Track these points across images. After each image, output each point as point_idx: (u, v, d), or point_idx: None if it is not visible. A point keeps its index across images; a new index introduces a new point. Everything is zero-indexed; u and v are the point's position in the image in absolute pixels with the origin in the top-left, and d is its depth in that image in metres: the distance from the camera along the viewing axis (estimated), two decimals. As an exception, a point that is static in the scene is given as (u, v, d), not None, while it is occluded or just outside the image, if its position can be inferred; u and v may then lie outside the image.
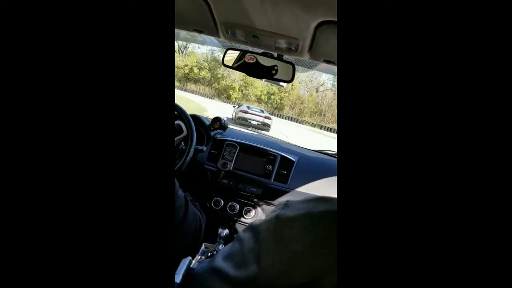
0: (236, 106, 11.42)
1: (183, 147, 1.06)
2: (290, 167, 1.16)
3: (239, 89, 27.25)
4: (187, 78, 26.44)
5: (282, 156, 1.17)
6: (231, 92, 25.23)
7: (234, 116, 10.01)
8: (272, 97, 26.19)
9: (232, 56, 0.87)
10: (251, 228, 0.35)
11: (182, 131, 1.04)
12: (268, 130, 9.75)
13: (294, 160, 1.17)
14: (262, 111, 11.18)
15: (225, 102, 23.07)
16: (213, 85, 26.77)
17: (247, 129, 1.52)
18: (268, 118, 10.46)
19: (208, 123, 1.26)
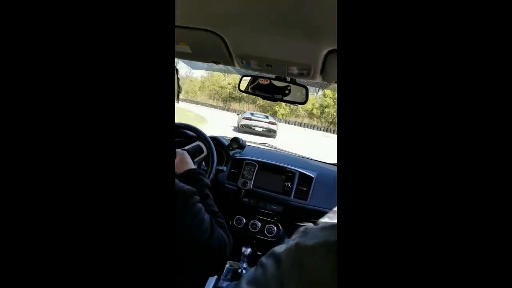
0: (240, 114, 11.16)
1: (205, 168, 1.11)
2: (309, 183, 1.17)
3: (285, 105, 23.44)
4: (231, 98, 24.56)
5: (300, 172, 1.18)
6: (277, 108, 22.18)
7: (237, 124, 9.70)
8: (326, 110, 20.91)
9: (246, 82, 0.92)
10: (273, 254, 0.37)
11: (202, 151, 1.08)
12: (274, 137, 9.45)
13: (313, 176, 1.18)
14: (267, 117, 10.84)
15: (230, 111, 20.74)
16: (257, 102, 24.14)
17: (265, 146, 1.55)
18: (273, 123, 10.16)
19: (227, 143, 1.30)
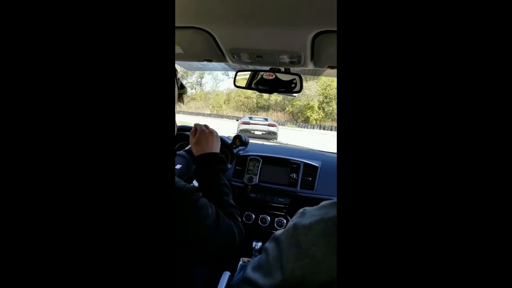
0: (239, 120, 10.97)
1: None
2: (314, 173, 1.17)
3: (319, 107, 21.95)
4: (258, 107, 22.83)
5: (305, 163, 1.19)
6: (309, 113, 20.67)
7: (237, 130, 9.47)
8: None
9: (243, 77, 0.93)
10: (274, 238, 0.37)
11: None
12: (275, 139, 9.22)
13: (317, 165, 1.18)
14: (266, 119, 10.70)
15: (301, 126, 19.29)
16: (286, 108, 22.85)
17: (270, 142, 1.55)
18: (273, 125, 9.98)
19: (229, 141, 1.31)
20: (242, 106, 23.35)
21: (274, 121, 11.50)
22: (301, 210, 0.38)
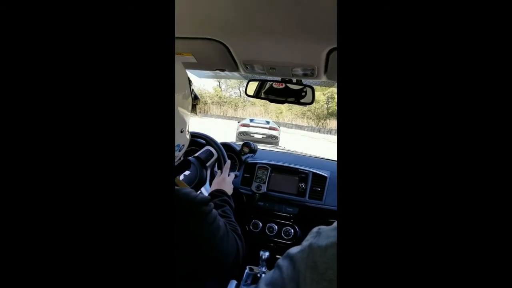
0: (240, 122, 10.12)
1: (217, 172, 1.12)
2: (323, 183, 1.16)
3: None
4: (329, 114, 19.38)
5: (313, 173, 1.18)
6: None
7: (235, 132, 8.78)
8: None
9: (254, 86, 0.93)
10: (288, 256, 0.37)
11: (213, 155, 1.10)
12: (276, 143, 8.48)
13: (326, 175, 1.17)
14: (268, 122, 9.75)
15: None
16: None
17: (277, 148, 1.55)
18: (275, 129, 9.17)
19: (238, 148, 1.31)
20: (308, 112, 20.26)
21: (276, 123, 10.76)
22: (315, 229, 0.37)
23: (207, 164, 1.05)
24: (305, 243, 0.36)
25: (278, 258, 1.20)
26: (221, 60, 0.72)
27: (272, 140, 8.74)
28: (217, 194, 0.78)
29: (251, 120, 9.63)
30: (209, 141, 1.13)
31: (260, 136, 8.58)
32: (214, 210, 0.57)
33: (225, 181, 0.87)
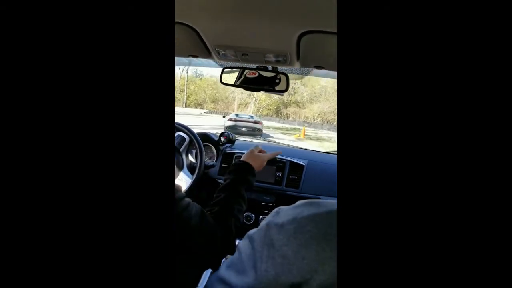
0: (226, 116, 11.47)
1: (195, 164, 1.11)
2: (300, 171, 1.18)
3: None
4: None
5: (291, 161, 1.19)
6: None
7: (224, 126, 9.80)
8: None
9: (229, 74, 0.91)
10: (248, 236, 0.37)
11: (185, 139, 1.10)
12: (260, 135, 9.95)
13: (303, 164, 1.19)
14: (252, 117, 11.41)
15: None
16: None
17: (256, 139, 1.55)
18: (259, 123, 10.69)
19: (216, 138, 1.30)
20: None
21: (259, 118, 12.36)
22: (276, 209, 0.37)
23: (181, 150, 1.05)
24: (263, 222, 0.36)
25: None
26: (192, 46, 0.70)
27: (256, 132, 10.03)
28: (239, 168, 0.78)
29: (237, 115, 11.04)
30: (178, 126, 1.11)
31: (245, 129, 9.83)
32: (186, 199, 0.56)
33: (253, 154, 0.85)
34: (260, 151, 0.90)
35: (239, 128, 9.67)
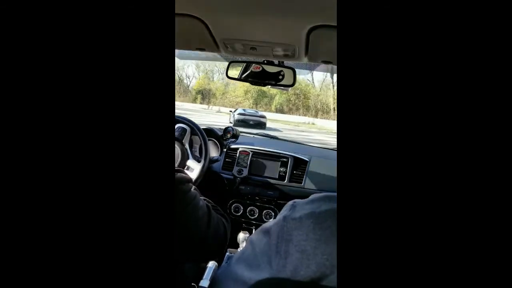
0: (233, 111, 13.31)
1: (199, 159, 1.12)
2: (303, 167, 1.18)
3: None
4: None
5: (295, 157, 1.19)
6: None
7: (233, 119, 11.63)
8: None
9: (235, 68, 0.91)
10: (262, 230, 0.37)
11: (186, 130, 1.11)
12: (264, 128, 11.45)
13: (307, 160, 1.19)
14: (257, 112, 13.71)
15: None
16: None
17: (259, 134, 1.56)
18: (263, 117, 12.79)
19: (220, 133, 1.30)
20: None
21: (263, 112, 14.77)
22: (290, 202, 0.37)
23: (183, 140, 1.05)
24: (279, 216, 0.36)
25: None
26: (200, 39, 0.70)
27: (261, 126, 11.70)
28: None
29: (244, 110, 13.12)
30: (177, 118, 1.12)
31: (252, 123, 11.64)
32: (193, 191, 0.56)
33: None
34: None
35: (247, 121, 11.42)
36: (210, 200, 0.67)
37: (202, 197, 0.58)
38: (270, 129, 11.32)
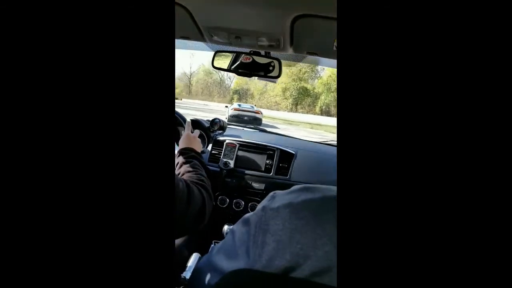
0: (229, 106, 12.89)
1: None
2: (290, 160, 1.19)
3: None
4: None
5: (281, 150, 1.20)
6: None
7: (227, 115, 11.10)
8: None
9: (221, 58, 0.90)
10: (243, 221, 0.36)
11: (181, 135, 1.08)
12: (260, 124, 10.65)
13: (293, 152, 1.20)
14: (252, 107, 12.77)
15: None
16: None
17: (247, 127, 1.55)
18: (258, 113, 11.96)
19: (207, 125, 1.29)
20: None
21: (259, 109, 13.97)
22: (271, 193, 0.37)
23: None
24: (259, 206, 0.36)
25: None
26: (184, 27, 0.68)
27: (257, 121, 10.90)
28: (184, 151, 0.78)
29: (239, 105, 12.45)
30: (180, 120, 1.10)
31: (247, 119, 10.83)
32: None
33: (190, 138, 0.85)
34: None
35: (242, 117, 10.74)
36: (205, 175, 0.70)
37: (180, 178, 0.58)
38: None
